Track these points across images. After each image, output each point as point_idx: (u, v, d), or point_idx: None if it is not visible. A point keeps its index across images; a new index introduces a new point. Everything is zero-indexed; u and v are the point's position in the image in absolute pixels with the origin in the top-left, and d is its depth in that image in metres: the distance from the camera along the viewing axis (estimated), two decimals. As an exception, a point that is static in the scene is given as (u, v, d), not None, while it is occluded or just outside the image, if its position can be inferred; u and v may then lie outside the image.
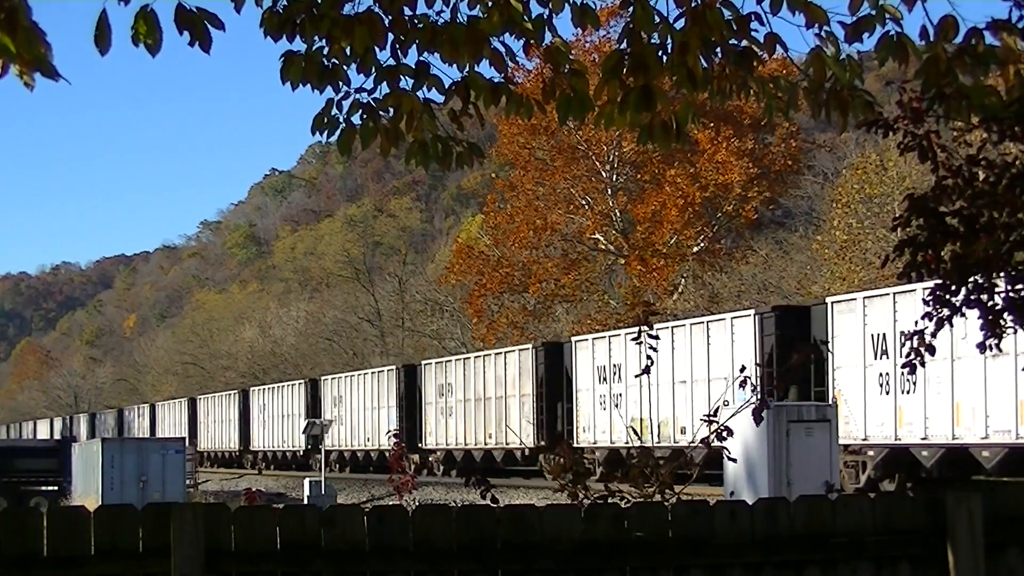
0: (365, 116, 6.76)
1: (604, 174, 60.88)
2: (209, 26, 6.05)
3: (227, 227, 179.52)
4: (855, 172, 51.70)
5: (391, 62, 6.61)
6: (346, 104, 6.74)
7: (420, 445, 50.68)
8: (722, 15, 6.37)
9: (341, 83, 6.67)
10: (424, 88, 6.66)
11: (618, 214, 61.28)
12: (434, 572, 6.93)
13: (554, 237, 61.30)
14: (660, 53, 6.44)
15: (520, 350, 45.27)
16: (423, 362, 52.83)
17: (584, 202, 61.32)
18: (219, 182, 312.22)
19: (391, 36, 6.51)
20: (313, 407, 60.32)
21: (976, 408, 26.92)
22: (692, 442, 8.23)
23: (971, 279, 8.13)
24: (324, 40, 6.49)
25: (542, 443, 41.41)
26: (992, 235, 7.96)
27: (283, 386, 66.71)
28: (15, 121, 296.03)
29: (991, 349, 8.50)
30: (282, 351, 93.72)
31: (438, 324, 77.83)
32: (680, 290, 58.69)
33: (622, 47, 6.52)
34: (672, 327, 35.84)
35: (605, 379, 38.97)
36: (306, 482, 40.22)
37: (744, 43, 6.51)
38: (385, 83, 6.66)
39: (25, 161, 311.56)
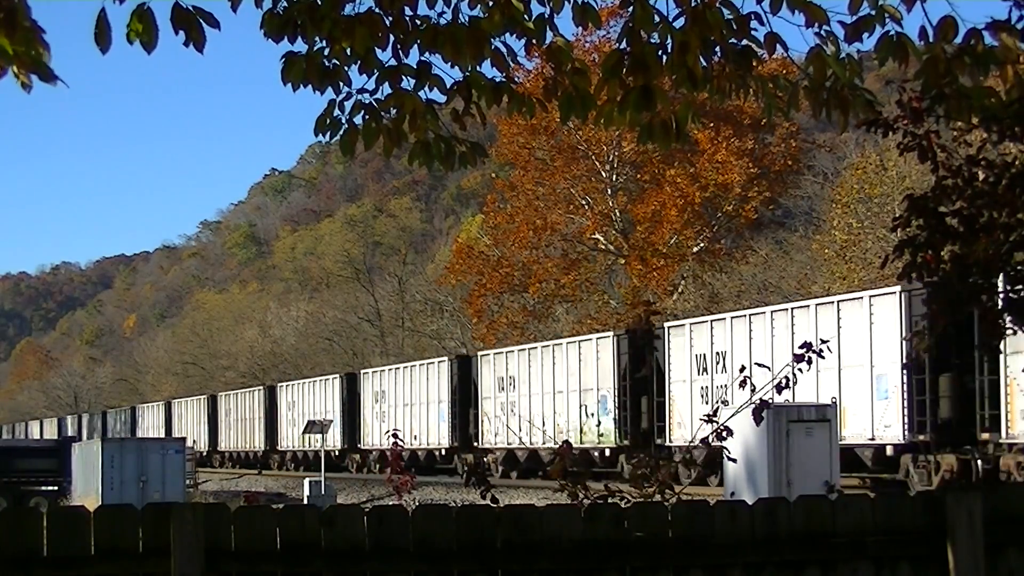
0: (367, 117, 6.76)
1: (604, 174, 60.89)
2: (205, 25, 6.06)
3: (227, 227, 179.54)
4: (855, 172, 51.72)
5: (392, 62, 6.61)
6: (348, 105, 6.75)
7: (475, 444, 47.01)
8: (722, 15, 6.38)
9: (342, 84, 6.67)
10: (426, 88, 6.66)
11: (618, 214, 61.30)
12: (434, 572, 6.93)
13: (554, 237, 61.32)
14: (660, 53, 6.45)
15: (599, 338, 40.36)
16: (479, 353, 48.93)
17: (584, 202, 61.33)
18: (219, 182, 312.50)
19: (392, 36, 6.51)
20: (351, 403, 56.86)
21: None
22: (691, 442, 8.24)
23: (971, 279, 8.13)
24: (325, 41, 6.49)
25: (625, 442, 37.66)
26: (992, 235, 7.96)
27: (314, 381, 62.24)
28: (15, 121, 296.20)
29: (991, 350, 8.51)
30: (282, 351, 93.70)
31: (438, 324, 77.84)
32: (680, 290, 58.69)
33: (622, 47, 6.52)
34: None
35: (705, 370, 35.01)
36: (306, 482, 40.24)
37: (744, 43, 6.51)
38: (387, 83, 6.66)
39: (25, 161, 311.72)
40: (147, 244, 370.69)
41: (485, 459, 45.93)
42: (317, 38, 6.48)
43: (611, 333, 40.86)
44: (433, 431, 49.65)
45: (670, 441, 35.76)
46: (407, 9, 6.47)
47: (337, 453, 57.77)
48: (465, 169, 7.17)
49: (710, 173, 57.69)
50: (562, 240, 61.61)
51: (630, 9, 6.43)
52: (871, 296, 30.32)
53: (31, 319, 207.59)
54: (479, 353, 48.78)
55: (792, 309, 32.93)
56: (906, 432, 29.03)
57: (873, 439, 29.93)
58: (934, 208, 8.21)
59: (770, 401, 8.14)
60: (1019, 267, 8.08)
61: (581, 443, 38.29)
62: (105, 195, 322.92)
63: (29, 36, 5.43)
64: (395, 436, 9.10)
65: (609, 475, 34.79)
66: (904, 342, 27.76)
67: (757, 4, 6.48)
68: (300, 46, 6.55)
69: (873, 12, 6.43)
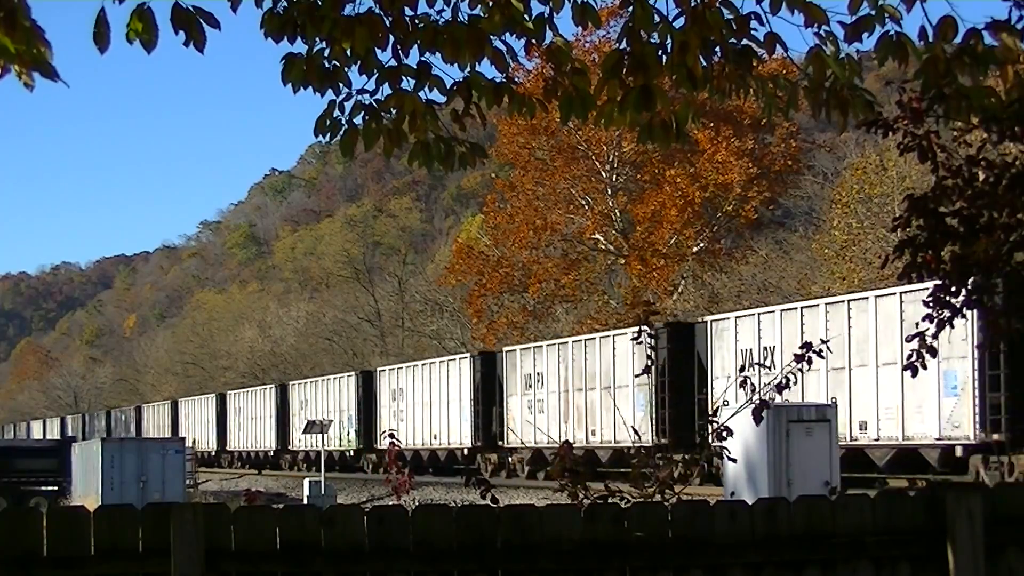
0: (367, 117, 6.76)
1: (604, 174, 60.90)
2: (205, 25, 6.06)
3: (227, 227, 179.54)
4: (855, 172, 51.73)
5: (392, 63, 6.61)
6: (348, 106, 6.75)
7: (500, 444, 45.42)
8: (722, 15, 6.38)
9: (342, 85, 6.67)
10: (426, 89, 6.66)
11: (618, 214, 61.31)
12: (434, 572, 6.93)
13: (554, 237, 61.33)
14: (660, 53, 6.45)
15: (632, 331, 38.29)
16: (504, 349, 47.25)
17: (584, 202, 61.34)
18: (219, 182, 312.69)
19: (392, 37, 6.51)
20: (367, 402, 55.29)
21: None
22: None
23: (971, 279, 8.13)
24: (325, 42, 6.49)
25: (663, 440, 35.68)
26: (992, 236, 7.96)
27: (328, 379, 60.51)
28: (15, 121, 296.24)
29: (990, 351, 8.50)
30: (282, 351, 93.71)
31: (438, 324, 77.85)
32: (680, 290, 58.70)
33: (622, 47, 6.52)
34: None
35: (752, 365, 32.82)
36: (306, 482, 40.23)
37: (744, 43, 6.51)
38: (387, 84, 6.66)
39: (25, 161, 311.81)
40: (147, 244, 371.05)
41: (510, 459, 45.41)
42: (317, 39, 6.48)
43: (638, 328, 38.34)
44: (455, 430, 48.11)
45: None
46: (407, 9, 6.47)
47: (352, 453, 56.42)
48: (465, 169, 7.16)
49: (710, 173, 57.70)
50: (562, 240, 61.62)
51: (630, 9, 6.43)
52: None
53: (31, 319, 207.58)
54: (504, 349, 46.96)
55: (848, 302, 31.55)
56: (977, 431, 27.58)
57: (940, 439, 28.50)
58: (934, 208, 8.21)
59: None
60: (1019, 267, 8.08)
61: (615, 441, 38.25)
62: (105, 195, 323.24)
63: (30, 35, 5.44)
64: (392, 436, 9.11)
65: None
66: (977, 334, 26.06)
67: (757, 4, 6.48)
68: (300, 47, 6.56)
69: (873, 12, 6.43)
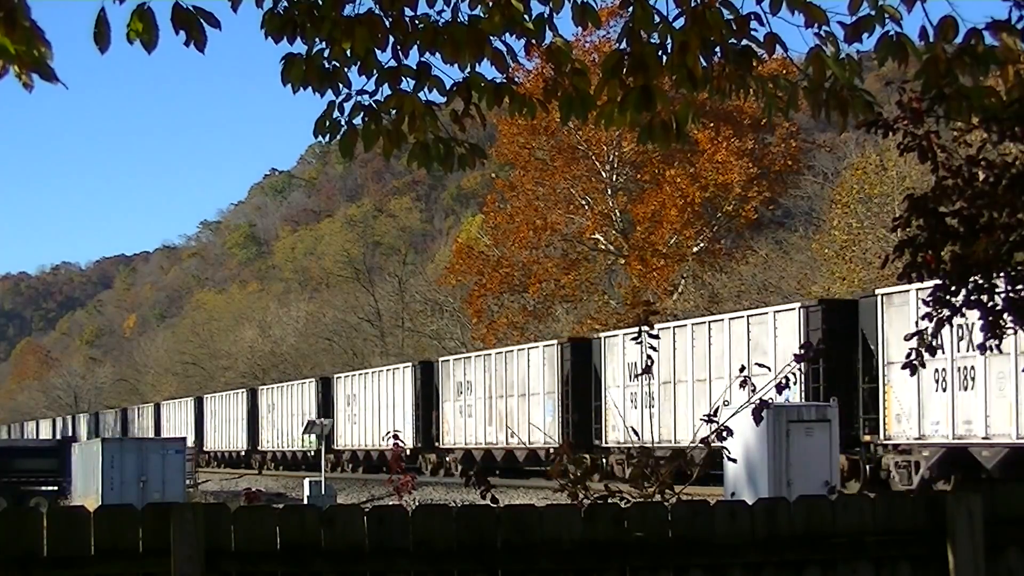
0: (367, 118, 6.76)
1: (604, 174, 60.89)
2: (205, 25, 6.06)
3: (227, 227, 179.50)
4: (855, 172, 51.72)
5: (392, 63, 6.61)
6: (348, 106, 6.75)
7: (598, 442, 40.89)
8: (722, 15, 6.38)
9: (342, 85, 6.67)
10: (425, 89, 6.66)
11: (618, 214, 61.31)
12: (434, 572, 6.93)
13: (554, 237, 61.33)
14: (660, 53, 6.45)
15: (786, 310, 33.61)
16: (597, 335, 42.62)
17: (584, 202, 61.34)
18: (219, 182, 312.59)
19: (392, 37, 6.51)
20: (425, 396, 50.86)
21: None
22: (692, 441, 8.24)
23: (971, 279, 8.13)
24: (325, 42, 6.49)
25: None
26: (992, 236, 7.95)
27: (380, 372, 56.24)
28: (15, 121, 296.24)
29: (991, 350, 8.50)
30: (282, 351, 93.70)
31: (438, 324, 77.85)
32: (680, 290, 58.71)
33: (622, 47, 6.52)
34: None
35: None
36: (306, 482, 40.24)
37: (744, 43, 6.51)
38: (386, 85, 6.66)
39: (25, 161, 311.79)
40: (147, 244, 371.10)
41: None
42: (317, 39, 6.48)
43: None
44: (536, 427, 42.47)
45: None
46: (407, 9, 6.47)
47: (408, 453, 49.53)
48: (465, 169, 7.17)
49: (710, 173, 57.69)
50: (562, 240, 61.61)
51: (630, 9, 6.43)
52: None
53: (31, 319, 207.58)
54: (603, 335, 41.44)
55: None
56: None
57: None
58: (934, 208, 8.21)
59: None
60: (1019, 267, 8.08)
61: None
62: (105, 195, 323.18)
63: (30, 35, 5.43)
64: (395, 437, 9.10)
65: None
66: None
67: (757, 4, 6.48)
68: (300, 47, 6.56)
69: (873, 12, 6.43)
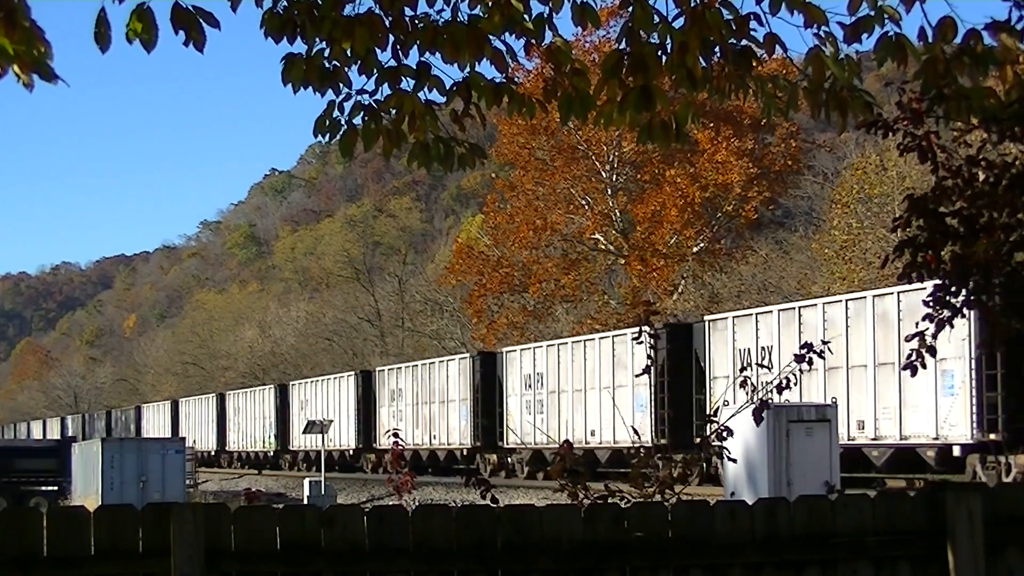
0: (367, 118, 6.76)
1: (604, 174, 60.89)
2: (205, 25, 6.06)
3: (227, 227, 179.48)
4: (855, 172, 51.73)
5: (392, 63, 6.61)
6: (347, 106, 6.75)
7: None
8: (721, 15, 6.38)
9: (342, 85, 6.67)
10: (425, 89, 6.66)
11: (618, 214, 61.31)
12: (434, 572, 6.93)
13: (554, 237, 61.33)
14: (659, 53, 6.45)
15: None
16: (709, 319, 37.35)
17: (584, 202, 61.33)
18: (219, 182, 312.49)
19: (392, 37, 6.51)
20: (486, 391, 46.65)
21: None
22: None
23: (971, 280, 8.13)
24: (325, 42, 6.49)
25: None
26: (992, 236, 7.96)
27: (428, 364, 52.04)
28: (15, 121, 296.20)
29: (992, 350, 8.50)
30: (282, 351, 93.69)
31: (438, 324, 77.84)
32: (680, 290, 58.70)
33: (621, 47, 6.53)
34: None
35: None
36: (306, 482, 40.25)
37: (743, 43, 6.51)
38: (386, 84, 6.66)
39: (25, 161, 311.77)
40: (147, 244, 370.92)
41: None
42: (317, 39, 6.48)
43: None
44: (621, 424, 37.47)
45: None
46: (407, 9, 6.47)
47: (464, 452, 48.43)
48: (465, 169, 7.17)
49: (710, 173, 57.69)
50: (562, 240, 61.61)
51: (630, 9, 6.43)
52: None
53: (31, 319, 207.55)
54: (708, 319, 37.14)
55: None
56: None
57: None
58: (934, 208, 8.21)
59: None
60: (1019, 267, 8.08)
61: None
62: (105, 195, 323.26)
63: (30, 35, 5.43)
64: (395, 436, 9.09)
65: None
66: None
67: (756, 4, 6.49)
68: (300, 47, 6.56)
69: (872, 13, 6.43)
